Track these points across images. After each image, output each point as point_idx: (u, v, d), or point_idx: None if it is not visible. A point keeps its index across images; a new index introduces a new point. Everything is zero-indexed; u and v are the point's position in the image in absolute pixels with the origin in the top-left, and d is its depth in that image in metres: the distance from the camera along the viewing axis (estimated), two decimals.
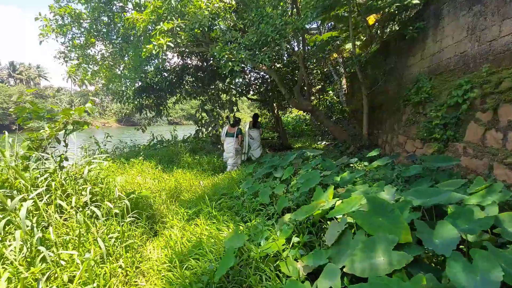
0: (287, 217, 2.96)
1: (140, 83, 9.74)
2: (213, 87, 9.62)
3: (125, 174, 5.74)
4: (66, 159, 3.31)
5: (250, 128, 7.95)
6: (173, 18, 5.30)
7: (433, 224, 2.04)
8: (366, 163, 5.68)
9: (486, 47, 3.71)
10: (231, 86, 9.79)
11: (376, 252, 1.78)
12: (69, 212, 2.77)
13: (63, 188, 3.01)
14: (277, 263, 2.10)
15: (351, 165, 5.47)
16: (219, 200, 4.03)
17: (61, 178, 3.05)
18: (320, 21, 11.04)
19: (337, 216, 2.37)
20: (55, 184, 2.86)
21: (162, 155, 7.21)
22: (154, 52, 5.18)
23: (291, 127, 18.06)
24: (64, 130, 3.18)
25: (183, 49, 8.17)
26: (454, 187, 2.71)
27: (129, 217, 2.92)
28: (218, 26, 5.99)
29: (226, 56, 5.53)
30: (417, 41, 5.53)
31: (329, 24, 12.91)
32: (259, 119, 9.68)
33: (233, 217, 3.29)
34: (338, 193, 3.25)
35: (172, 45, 5.24)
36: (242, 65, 5.73)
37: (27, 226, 2.08)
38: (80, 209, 3.02)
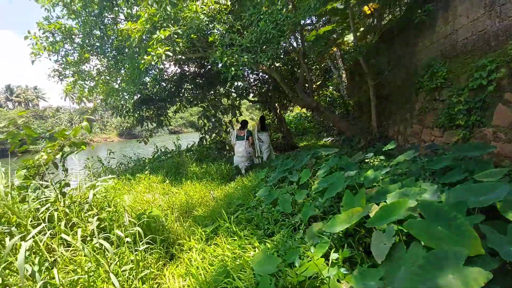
0: (316, 227, 2.66)
1: (139, 96, 9.47)
2: (212, 92, 9.34)
3: (132, 191, 5.45)
4: (68, 184, 3.02)
5: (259, 131, 7.80)
6: (169, 25, 5.02)
7: (498, 227, 1.74)
8: (381, 157, 5.39)
9: (509, 22, 3.41)
10: (231, 90, 9.51)
11: (443, 270, 1.47)
12: (75, 245, 2.47)
13: (68, 217, 2.71)
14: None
15: (366, 160, 5.17)
16: (235, 212, 3.73)
17: (64, 206, 2.75)
18: (316, 17, 10.77)
19: (380, 225, 2.06)
20: (58, 214, 2.56)
21: (168, 167, 6.92)
22: (153, 63, 4.90)
23: (293, 125, 17.76)
24: (60, 153, 2.89)
25: (181, 56, 7.90)
26: (495, 177, 2.41)
27: (142, 243, 2.62)
28: (215, 30, 5.70)
29: (229, 61, 5.25)
30: (425, 25, 5.23)
31: (324, 19, 12.59)
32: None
33: (254, 231, 2.99)
34: (368, 195, 2.94)
35: (171, 54, 4.97)
36: (245, 68, 5.44)
37: (27, 271, 1.78)
38: (88, 238, 2.73)
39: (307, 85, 9.72)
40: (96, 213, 2.94)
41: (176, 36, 5.04)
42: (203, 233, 2.83)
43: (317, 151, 4.90)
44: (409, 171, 3.68)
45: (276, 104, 11.55)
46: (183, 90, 10.17)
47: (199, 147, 9.37)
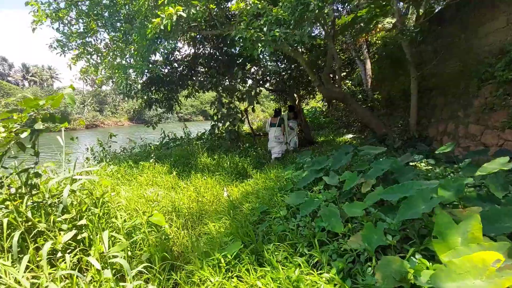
0: (394, 264, 1.72)
1: (148, 75, 8.56)
2: (228, 76, 8.35)
3: (133, 181, 4.59)
4: (37, 175, 2.14)
5: (289, 119, 7.47)
6: None
7: None
8: (430, 161, 4.41)
9: None
10: (250, 74, 8.50)
11: None
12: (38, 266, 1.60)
13: (29, 224, 1.84)
14: None
15: (412, 164, 4.21)
16: (260, 222, 2.82)
17: (26, 207, 1.88)
18: (341, 3, 9.60)
19: None
20: (14, 220, 1.69)
21: (176, 156, 6.04)
22: (162, 26, 3.95)
23: (308, 120, 16.69)
24: (30, 131, 2.01)
25: (196, 25, 6.91)
26: None
27: (137, 269, 1.73)
28: None
29: (256, 34, 4.26)
30: (498, 1, 4.13)
31: (349, 6, 11.34)
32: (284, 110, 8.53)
33: (292, 259, 2.07)
34: (456, 216, 2.00)
35: (184, 15, 4.00)
36: (274, 45, 4.44)
37: None
38: (60, 254, 1.86)
39: (331, 75, 8.66)
40: (74, 217, 2.06)
41: None
42: (221, 258, 1.94)
43: (360, 149, 3.92)
44: (493, 183, 2.68)
45: (295, 95, 10.52)
46: (196, 73, 9.22)
47: (211, 136, 8.47)
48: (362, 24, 10.48)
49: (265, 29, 4.28)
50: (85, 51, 7.58)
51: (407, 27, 5.74)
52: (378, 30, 10.95)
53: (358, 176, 3.05)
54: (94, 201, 2.38)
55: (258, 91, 7.14)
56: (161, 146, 7.79)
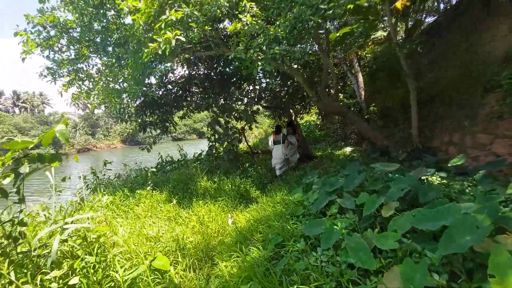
0: None
1: (142, 99, 8.34)
2: (223, 96, 8.19)
3: (130, 213, 4.24)
4: (22, 224, 1.83)
5: (288, 134, 7.49)
6: (181, 4, 3.90)
7: None
8: (441, 174, 4.21)
9: None
10: (246, 93, 8.37)
11: None
12: None
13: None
14: None
15: (425, 178, 4.00)
16: (276, 257, 2.52)
17: (8, 267, 1.55)
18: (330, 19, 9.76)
19: None
20: None
21: (174, 180, 5.71)
22: (159, 51, 3.76)
23: (304, 134, 16.59)
24: (12, 176, 1.72)
25: (191, 47, 6.80)
26: None
27: None
28: (237, 18, 4.58)
29: (255, 54, 4.11)
30: (501, 7, 4.11)
31: (337, 23, 11.53)
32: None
33: None
34: (507, 245, 1.75)
35: (183, 39, 3.83)
36: (273, 63, 4.29)
37: None
38: None
39: (327, 89, 8.61)
40: (66, 273, 1.74)
41: (190, 20, 3.92)
42: None
43: (372, 167, 3.70)
44: None
45: (291, 111, 10.42)
46: (191, 94, 9.06)
47: (208, 157, 8.19)
48: (351, 40, 10.61)
49: (264, 47, 4.14)
50: (77, 77, 7.35)
51: (405, 40, 5.73)
52: (369, 44, 11.12)
53: (378, 199, 2.81)
54: (88, 247, 2.06)
55: (255, 109, 6.97)
56: (157, 170, 7.44)
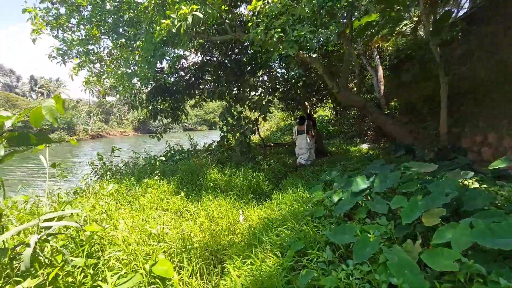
0: None
1: (153, 84, 8.02)
2: (238, 85, 7.76)
3: (135, 204, 3.93)
4: None
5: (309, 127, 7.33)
6: None
7: None
8: (478, 178, 3.71)
9: None
10: (259, 83, 7.91)
11: None
12: None
13: None
14: None
15: (464, 182, 3.52)
16: (295, 267, 2.14)
17: None
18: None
19: None
20: None
21: (183, 171, 5.38)
22: (173, 29, 3.36)
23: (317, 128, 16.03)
24: None
25: (205, 39, 6.39)
26: None
27: None
28: None
29: (276, 35, 3.66)
30: None
31: (357, 13, 10.84)
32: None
33: None
34: None
35: (201, 15, 3.41)
36: (295, 46, 3.82)
37: None
38: None
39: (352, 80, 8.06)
40: (42, 283, 1.39)
41: None
42: None
43: (407, 166, 3.24)
44: None
45: (306, 103, 9.91)
46: (203, 82, 8.68)
47: (219, 148, 7.83)
48: (374, 30, 9.92)
49: (287, 28, 3.68)
50: (87, 60, 7.07)
51: (439, 28, 5.13)
52: (393, 35, 10.40)
53: (419, 204, 2.37)
54: (78, 247, 1.73)
55: (270, 99, 6.53)
56: (167, 159, 7.15)
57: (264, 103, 6.23)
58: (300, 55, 6.36)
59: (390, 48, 12.35)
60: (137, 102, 8.76)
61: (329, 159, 7.37)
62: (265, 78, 7.85)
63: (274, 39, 3.69)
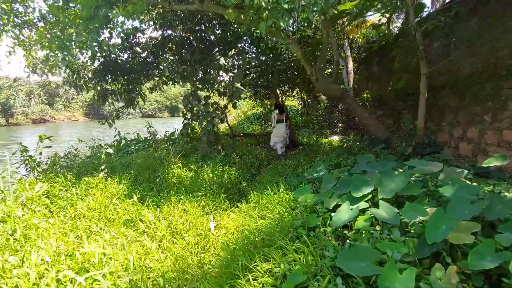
0: None
1: (101, 60, 6.67)
2: (204, 67, 6.77)
3: (70, 211, 2.93)
4: None
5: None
6: None
7: None
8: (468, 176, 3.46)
9: None
10: (227, 66, 7.01)
11: None
12: None
13: None
14: None
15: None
16: None
17: None
18: None
19: None
20: None
21: (138, 166, 4.40)
22: None
23: None
24: None
25: (166, 6, 5.28)
26: None
27: None
28: None
29: (263, 3, 2.88)
30: None
31: None
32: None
33: None
34: None
35: None
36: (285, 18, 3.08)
37: None
38: None
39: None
40: None
41: None
42: None
43: (409, 164, 2.78)
44: None
45: (278, 91, 9.30)
46: (164, 61, 7.50)
47: (183, 137, 6.86)
48: (347, 20, 9.61)
49: None
50: (10, 22, 5.50)
51: (426, 17, 4.82)
52: (366, 26, 10.20)
53: (445, 215, 1.87)
54: None
55: (239, 83, 5.73)
56: (118, 150, 5.99)
57: (235, 88, 5.42)
58: (278, 36, 5.65)
59: (360, 39, 12.26)
60: (81, 81, 7.30)
61: (303, 151, 6.91)
62: (236, 61, 6.97)
63: (263, 4, 2.89)
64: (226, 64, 5.74)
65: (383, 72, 8.29)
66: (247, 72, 8.36)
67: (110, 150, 4.48)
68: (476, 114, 4.53)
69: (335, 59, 6.16)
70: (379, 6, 6.82)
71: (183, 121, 6.37)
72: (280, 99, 9.40)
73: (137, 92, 7.67)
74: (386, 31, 10.37)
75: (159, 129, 8.75)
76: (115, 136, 6.98)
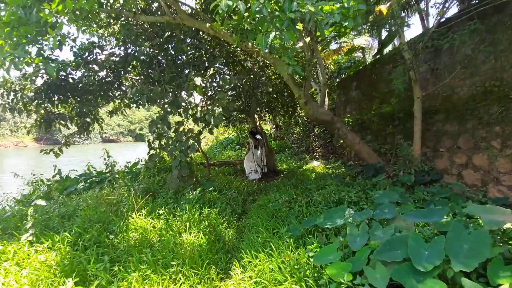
0: None
1: (44, 78, 5.40)
2: (172, 88, 5.79)
3: None
4: None
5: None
6: None
7: None
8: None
9: None
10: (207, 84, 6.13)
11: None
12: None
13: None
14: None
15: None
16: None
17: None
18: None
19: None
20: None
21: (84, 219, 3.15)
22: None
23: None
24: None
25: (129, 21, 4.36)
26: None
27: None
28: None
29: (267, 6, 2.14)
30: None
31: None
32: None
33: None
34: None
35: None
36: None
37: None
38: None
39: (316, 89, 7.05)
40: None
41: None
42: None
43: (468, 212, 2.06)
44: None
45: (256, 116, 8.62)
46: (126, 80, 6.42)
47: (148, 171, 5.67)
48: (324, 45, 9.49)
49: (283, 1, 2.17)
50: None
51: (421, 36, 4.52)
52: (343, 50, 10.18)
53: None
54: None
55: (224, 107, 4.83)
56: (62, 190, 4.60)
57: (218, 114, 4.51)
58: (260, 54, 4.98)
59: (332, 66, 12.29)
60: (20, 103, 5.86)
61: (288, 180, 6.11)
62: (214, 82, 6.13)
63: (264, 10, 2.11)
64: (203, 85, 4.85)
65: (362, 96, 8.07)
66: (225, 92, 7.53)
67: (43, 202, 3.15)
68: (481, 140, 4.16)
69: (322, 81, 5.66)
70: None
71: (149, 152, 5.21)
72: (258, 124, 8.68)
73: (92, 117, 6.37)
74: (362, 57, 10.48)
75: (122, 156, 7.38)
76: (53, 176, 5.53)
